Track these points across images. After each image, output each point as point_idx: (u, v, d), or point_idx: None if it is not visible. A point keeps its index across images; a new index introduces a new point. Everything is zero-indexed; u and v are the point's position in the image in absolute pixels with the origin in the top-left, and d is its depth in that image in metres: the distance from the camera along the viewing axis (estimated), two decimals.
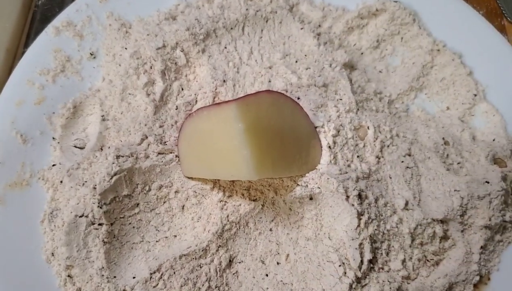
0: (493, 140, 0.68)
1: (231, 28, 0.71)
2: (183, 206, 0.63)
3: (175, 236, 0.62)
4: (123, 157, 0.61)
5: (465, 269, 0.60)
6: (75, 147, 0.66)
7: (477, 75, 0.72)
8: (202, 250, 0.59)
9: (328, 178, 0.58)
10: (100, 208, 0.58)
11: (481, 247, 0.61)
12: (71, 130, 0.67)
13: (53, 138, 0.65)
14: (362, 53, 0.76)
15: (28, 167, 0.63)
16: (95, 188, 0.58)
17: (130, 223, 0.61)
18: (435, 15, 0.76)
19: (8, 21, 0.77)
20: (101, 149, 0.65)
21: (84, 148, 0.66)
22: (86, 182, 0.60)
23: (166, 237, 0.62)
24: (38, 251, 0.60)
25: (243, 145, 0.53)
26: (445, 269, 0.61)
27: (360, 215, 0.57)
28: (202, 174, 0.60)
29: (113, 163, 0.59)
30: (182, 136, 0.62)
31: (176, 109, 0.67)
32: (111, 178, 0.59)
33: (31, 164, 0.63)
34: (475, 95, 0.71)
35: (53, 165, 0.64)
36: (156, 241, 0.61)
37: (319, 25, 0.76)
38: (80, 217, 0.58)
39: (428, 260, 0.61)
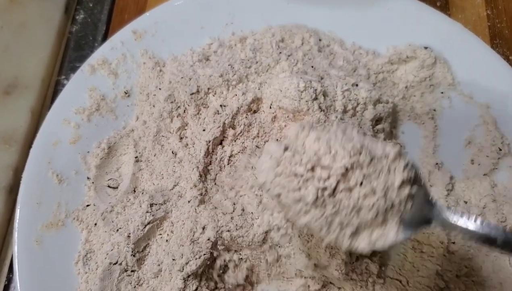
0: None
1: (263, 73, 0.72)
2: None
3: None
4: (156, 204, 0.63)
5: None
6: (109, 186, 0.68)
7: (502, 127, 0.73)
8: None
9: None
10: (134, 256, 0.60)
11: None
12: (105, 170, 0.68)
13: (88, 178, 0.67)
14: None
15: (63, 207, 0.65)
16: (129, 237, 0.60)
17: None
18: (464, 64, 0.76)
19: (43, 51, 0.78)
20: (134, 191, 0.67)
21: (117, 187, 0.68)
22: (120, 228, 0.62)
23: None
24: None
25: None
26: None
27: None
28: None
29: (147, 212, 0.62)
30: None
31: None
32: (144, 227, 0.61)
33: (66, 204, 0.65)
34: (500, 149, 0.72)
35: (87, 205, 0.66)
36: None
37: None
38: (114, 264, 0.60)
39: None
